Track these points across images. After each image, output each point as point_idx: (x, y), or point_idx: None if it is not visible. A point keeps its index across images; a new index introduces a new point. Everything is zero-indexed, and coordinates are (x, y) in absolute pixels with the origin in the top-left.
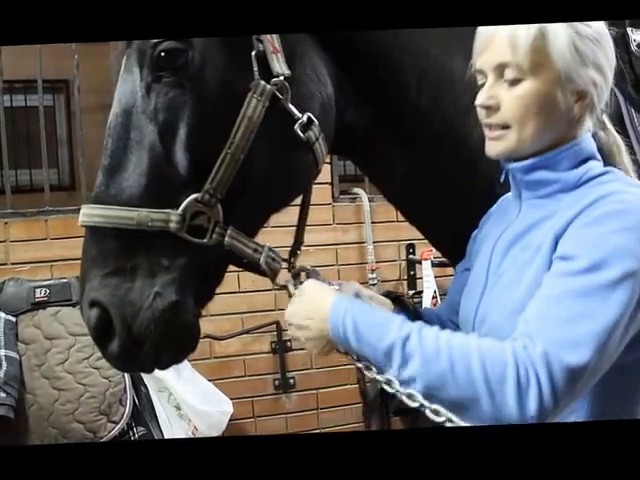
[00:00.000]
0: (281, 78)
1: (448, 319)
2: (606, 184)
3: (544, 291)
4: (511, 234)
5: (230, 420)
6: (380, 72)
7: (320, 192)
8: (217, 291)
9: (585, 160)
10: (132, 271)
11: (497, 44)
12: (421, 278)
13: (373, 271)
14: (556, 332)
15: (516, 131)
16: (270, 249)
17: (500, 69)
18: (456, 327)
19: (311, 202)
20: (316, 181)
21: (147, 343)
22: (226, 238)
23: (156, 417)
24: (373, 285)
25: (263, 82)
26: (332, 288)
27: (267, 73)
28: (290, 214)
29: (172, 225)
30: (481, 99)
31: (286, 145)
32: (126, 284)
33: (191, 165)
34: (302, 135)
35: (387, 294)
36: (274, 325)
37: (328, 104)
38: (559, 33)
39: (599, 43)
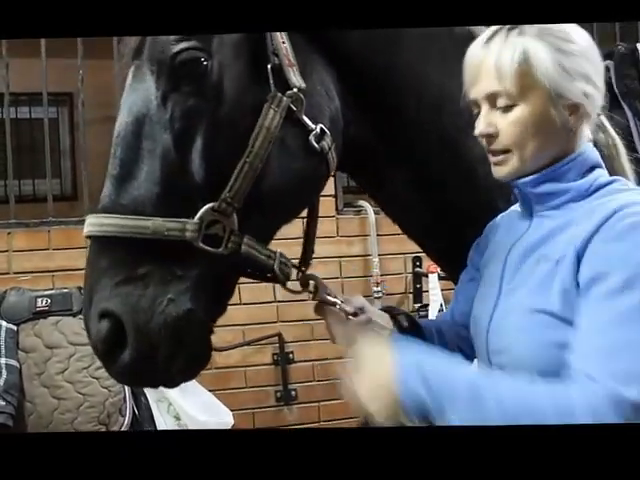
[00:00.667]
0: (295, 90)
1: (451, 329)
2: (619, 194)
3: (588, 321)
4: (524, 245)
5: None
6: (381, 89)
7: (324, 204)
8: None
9: (591, 169)
10: (144, 279)
11: (484, 75)
12: (427, 291)
13: (378, 284)
14: (612, 367)
15: (517, 154)
16: (281, 254)
17: (492, 98)
18: (459, 338)
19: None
20: (321, 194)
21: (159, 353)
22: (242, 246)
23: (155, 427)
24: (378, 298)
25: (280, 94)
26: (386, 343)
27: (282, 85)
28: (294, 227)
29: (188, 234)
30: (479, 128)
31: (301, 155)
32: (138, 292)
33: (207, 174)
34: (316, 145)
35: (387, 309)
36: (276, 337)
37: (336, 117)
38: (542, 54)
39: (583, 55)
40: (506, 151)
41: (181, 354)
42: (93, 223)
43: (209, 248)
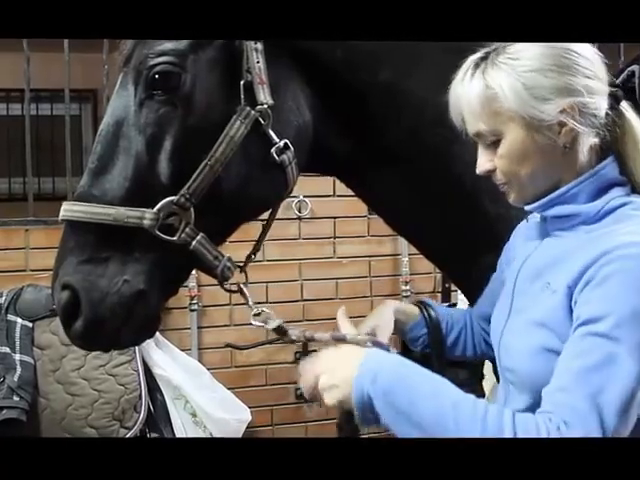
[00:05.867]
0: (265, 106)
1: (478, 323)
2: (625, 222)
3: (567, 361)
4: (531, 267)
5: (247, 428)
6: (360, 104)
7: (356, 205)
8: (243, 302)
9: (606, 188)
10: (105, 260)
11: (466, 116)
12: (456, 291)
13: (407, 283)
14: (579, 410)
15: (515, 183)
16: (229, 259)
17: (479, 136)
18: (484, 332)
19: (347, 214)
20: (352, 194)
21: (109, 324)
22: (194, 242)
23: (170, 423)
24: (406, 297)
25: (248, 108)
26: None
27: (252, 100)
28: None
29: (146, 222)
30: (479, 168)
31: (261, 165)
32: (98, 271)
33: (172, 174)
34: (277, 158)
35: (417, 303)
36: None
37: (304, 131)
38: (505, 86)
39: (553, 68)
40: (506, 182)
41: (130, 327)
42: (66, 209)
43: (164, 236)
